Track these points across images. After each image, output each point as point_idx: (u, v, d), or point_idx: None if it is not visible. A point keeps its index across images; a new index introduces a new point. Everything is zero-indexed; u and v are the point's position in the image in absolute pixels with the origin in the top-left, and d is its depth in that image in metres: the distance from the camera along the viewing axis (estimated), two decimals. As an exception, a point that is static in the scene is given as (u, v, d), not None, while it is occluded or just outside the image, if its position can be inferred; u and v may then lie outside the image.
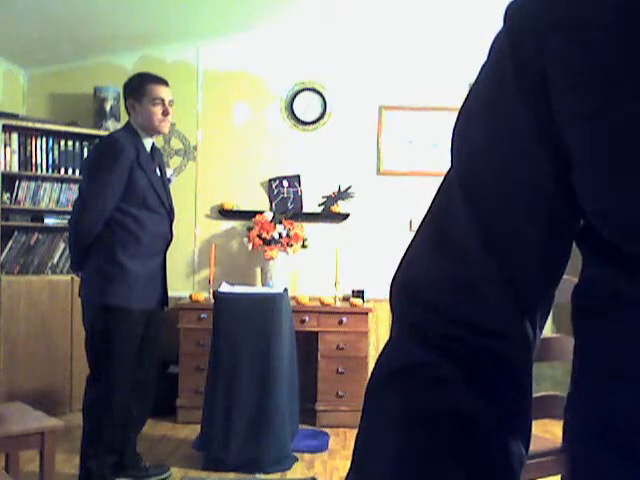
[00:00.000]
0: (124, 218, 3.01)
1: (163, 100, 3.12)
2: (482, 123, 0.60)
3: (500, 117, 0.58)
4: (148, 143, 3.17)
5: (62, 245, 4.33)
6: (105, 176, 2.97)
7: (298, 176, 4.81)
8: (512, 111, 0.57)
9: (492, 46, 0.60)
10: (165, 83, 3.19)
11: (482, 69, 0.61)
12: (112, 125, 4.47)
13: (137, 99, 3.11)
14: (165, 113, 3.12)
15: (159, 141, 4.83)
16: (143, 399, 3.22)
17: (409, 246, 0.65)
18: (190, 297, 4.53)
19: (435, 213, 0.62)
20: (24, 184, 4.29)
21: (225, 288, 3.97)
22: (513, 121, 0.57)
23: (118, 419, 3.03)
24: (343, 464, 3.62)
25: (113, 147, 3.03)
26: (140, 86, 3.13)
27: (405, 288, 0.64)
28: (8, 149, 4.23)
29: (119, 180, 2.98)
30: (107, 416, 2.99)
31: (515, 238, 0.58)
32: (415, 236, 0.64)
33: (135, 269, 3.03)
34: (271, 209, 4.74)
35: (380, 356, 0.63)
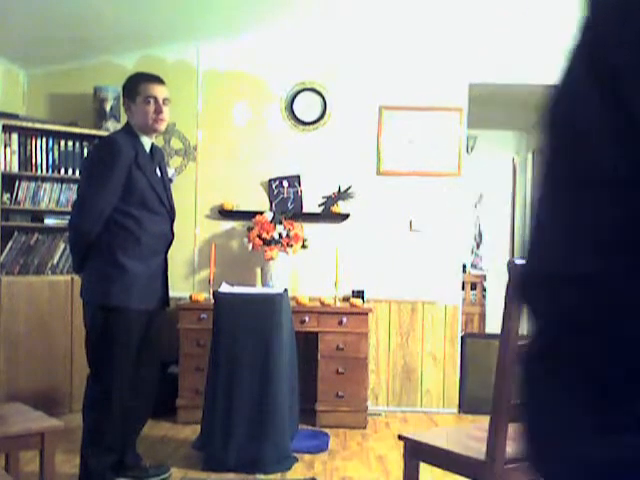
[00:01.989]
0: (124, 219, 3.00)
1: (156, 98, 3.10)
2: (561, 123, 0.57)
3: (578, 115, 0.55)
4: (147, 143, 3.15)
5: (62, 245, 4.32)
6: (103, 177, 2.97)
7: (298, 176, 4.81)
8: (590, 110, 0.54)
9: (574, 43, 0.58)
10: (159, 81, 3.17)
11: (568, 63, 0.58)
12: (112, 125, 4.47)
13: (132, 99, 3.11)
14: (158, 111, 3.09)
15: (159, 141, 4.83)
16: (144, 399, 3.22)
17: (536, 229, 0.59)
18: (190, 297, 4.53)
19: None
20: (24, 184, 4.29)
21: (225, 288, 3.96)
22: (591, 120, 0.54)
23: (118, 419, 3.03)
24: (343, 464, 3.62)
25: (111, 148, 3.02)
26: (134, 86, 3.13)
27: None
28: (8, 149, 4.22)
29: (117, 181, 2.97)
30: (107, 416, 2.99)
31: None
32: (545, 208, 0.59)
33: (135, 269, 3.02)
34: (271, 209, 4.74)
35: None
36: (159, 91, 3.13)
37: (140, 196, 3.03)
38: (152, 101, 3.09)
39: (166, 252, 3.24)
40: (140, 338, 3.09)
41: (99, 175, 2.99)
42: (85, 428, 3.03)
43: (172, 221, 3.25)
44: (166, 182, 3.27)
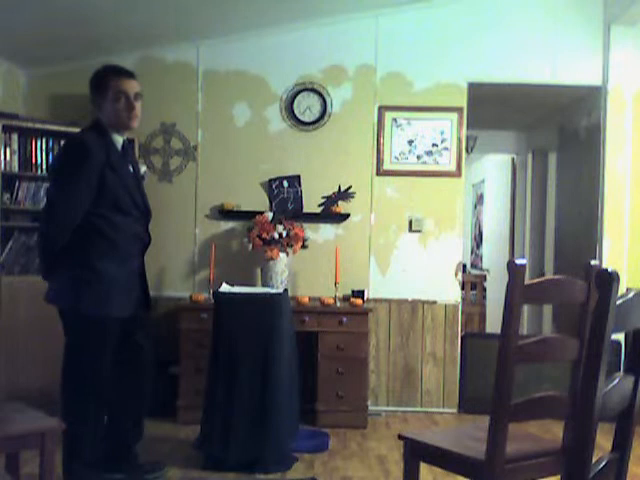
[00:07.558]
0: (96, 221, 2.83)
1: (127, 94, 2.89)
2: None
3: None
4: (119, 140, 2.96)
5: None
6: (73, 184, 2.78)
7: (298, 176, 4.81)
8: None
9: None
10: (129, 75, 2.95)
11: None
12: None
13: (101, 95, 2.90)
14: (130, 108, 2.89)
15: (159, 142, 4.83)
16: (134, 407, 3.13)
17: None
18: (190, 297, 4.53)
19: None
20: (24, 184, 4.30)
21: (225, 288, 3.96)
22: None
23: (95, 433, 2.93)
24: (343, 464, 3.62)
25: (80, 150, 2.81)
26: (103, 81, 2.92)
27: None
28: (8, 149, 4.23)
29: (88, 186, 2.78)
30: (82, 431, 2.88)
31: None
32: None
33: (110, 273, 2.84)
34: (271, 209, 4.74)
35: None
36: (130, 86, 2.91)
37: (112, 197, 2.85)
38: (123, 97, 2.88)
39: (142, 254, 3.07)
40: (115, 346, 2.94)
41: (68, 180, 2.79)
42: (64, 442, 2.88)
43: (147, 222, 3.07)
44: (140, 181, 3.09)
